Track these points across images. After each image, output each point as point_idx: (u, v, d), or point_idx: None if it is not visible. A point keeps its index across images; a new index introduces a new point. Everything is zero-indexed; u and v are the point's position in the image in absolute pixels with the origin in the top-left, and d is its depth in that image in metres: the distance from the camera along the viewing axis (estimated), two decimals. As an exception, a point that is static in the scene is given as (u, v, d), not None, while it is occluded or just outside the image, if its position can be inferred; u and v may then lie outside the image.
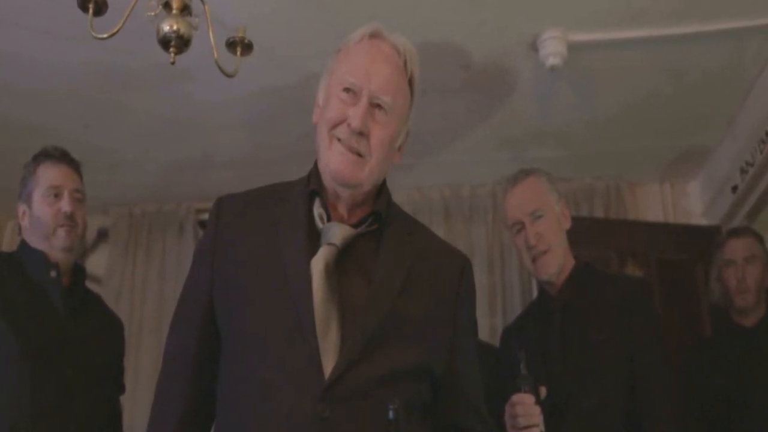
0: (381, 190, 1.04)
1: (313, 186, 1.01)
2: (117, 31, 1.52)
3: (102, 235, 2.89)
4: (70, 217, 1.57)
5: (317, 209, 1.00)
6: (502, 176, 1.74)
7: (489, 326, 2.48)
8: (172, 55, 1.53)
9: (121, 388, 1.69)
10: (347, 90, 0.98)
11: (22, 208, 1.61)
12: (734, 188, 2.40)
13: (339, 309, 0.92)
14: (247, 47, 1.67)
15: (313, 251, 0.95)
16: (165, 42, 1.53)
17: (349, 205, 1.00)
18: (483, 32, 1.97)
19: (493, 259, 2.65)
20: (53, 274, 1.55)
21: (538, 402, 1.36)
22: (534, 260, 1.56)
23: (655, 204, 2.75)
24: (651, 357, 1.46)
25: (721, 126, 2.43)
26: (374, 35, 1.01)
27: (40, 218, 1.57)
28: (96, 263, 2.77)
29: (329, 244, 0.96)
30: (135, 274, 2.73)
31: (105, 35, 1.52)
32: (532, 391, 1.35)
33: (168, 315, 1.05)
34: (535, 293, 2.09)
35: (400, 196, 2.44)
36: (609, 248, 2.41)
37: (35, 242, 1.58)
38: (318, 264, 0.94)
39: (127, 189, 2.76)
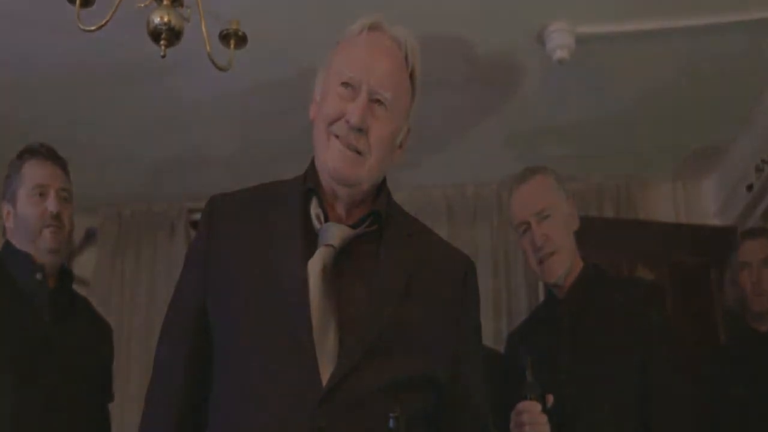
0: (381, 189, 1.01)
1: (309, 185, 0.98)
2: (105, 23, 1.47)
3: (90, 236, 2.87)
4: (57, 218, 1.54)
5: (314, 209, 0.97)
6: (508, 175, 1.71)
7: (494, 331, 2.45)
8: (163, 48, 1.50)
9: (110, 396, 1.65)
10: (346, 85, 0.95)
11: (6, 207, 1.58)
12: (749, 187, 2.35)
13: (337, 314, 0.89)
14: (241, 40, 1.64)
15: (310, 253, 0.92)
16: (155, 34, 1.50)
17: (348, 204, 0.97)
18: (487, 24, 1.94)
19: (497, 262, 2.63)
20: (39, 276, 1.52)
21: (545, 410, 1.32)
22: (540, 262, 1.53)
23: (666, 204, 2.73)
24: (663, 365, 1.44)
25: (736, 122, 2.40)
26: (374, 27, 0.99)
27: (26, 218, 1.54)
28: (84, 265, 2.74)
29: (327, 245, 0.93)
30: (124, 276, 2.72)
31: (93, 27, 1.47)
32: (538, 399, 1.33)
33: (159, 320, 1.02)
34: (541, 296, 2.05)
35: (400, 195, 2.38)
36: (619, 250, 2.38)
37: (20, 243, 1.55)
38: (315, 266, 0.91)
39: (116, 188, 2.75)
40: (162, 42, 1.48)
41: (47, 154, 1.57)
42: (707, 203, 2.72)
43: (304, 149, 1.06)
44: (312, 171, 0.99)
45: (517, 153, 2.49)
